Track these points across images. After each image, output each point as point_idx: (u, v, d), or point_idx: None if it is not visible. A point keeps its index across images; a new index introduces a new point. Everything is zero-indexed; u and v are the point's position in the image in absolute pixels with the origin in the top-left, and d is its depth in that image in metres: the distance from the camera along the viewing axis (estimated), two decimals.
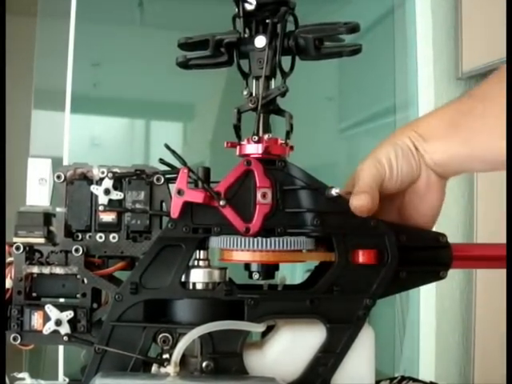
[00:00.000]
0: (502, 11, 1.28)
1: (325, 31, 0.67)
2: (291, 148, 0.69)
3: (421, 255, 0.68)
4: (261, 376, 0.64)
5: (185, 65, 0.70)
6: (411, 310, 1.73)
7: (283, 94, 0.68)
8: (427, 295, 1.67)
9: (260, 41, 0.67)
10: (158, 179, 0.67)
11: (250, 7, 0.65)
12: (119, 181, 0.67)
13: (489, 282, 1.53)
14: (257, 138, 0.66)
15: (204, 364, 0.64)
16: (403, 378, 0.79)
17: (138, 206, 0.67)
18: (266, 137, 0.67)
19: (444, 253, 0.69)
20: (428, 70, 1.74)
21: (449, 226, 1.61)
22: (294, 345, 0.66)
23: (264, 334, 0.68)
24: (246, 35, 0.68)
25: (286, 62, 0.69)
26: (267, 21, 0.67)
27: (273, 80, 0.68)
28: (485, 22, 1.57)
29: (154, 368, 0.64)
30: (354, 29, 0.66)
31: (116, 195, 0.67)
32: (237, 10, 0.67)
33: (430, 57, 1.74)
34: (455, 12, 1.71)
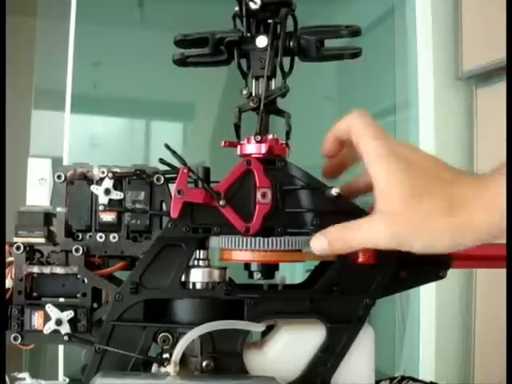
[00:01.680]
0: (502, 11, 1.28)
1: (327, 33, 0.68)
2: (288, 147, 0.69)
3: (420, 255, 0.68)
4: (261, 376, 0.64)
5: (182, 62, 0.69)
6: (411, 309, 1.73)
7: (284, 95, 0.68)
8: (427, 295, 1.67)
9: (262, 41, 0.67)
10: (158, 179, 0.67)
11: (254, 6, 0.65)
12: (119, 181, 0.67)
13: (489, 282, 1.54)
14: (260, 137, 0.66)
15: (204, 363, 0.64)
16: (403, 378, 0.79)
17: (138, 205, 0.67)
18: (270, 137, 0.67)
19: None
20: (428, 70, 1.74)
21: None
22: (293, 344, 0.66)
23: (264, 334, 0.68)
24: (248, 34, 0.68)
25: (284, 62, 0.69)
26: (269, 21, 0.67)
27: (273, 80, 0.68)
28: (485, 22, 1.58)
29: (155, 367, 0.64)
30: (355, 32, 0.67)
31: (116, 195, 0.67)
32: (239, 8, 0.67)
33: (430, 57, 1.74)
34: (455, 12, 1.71)
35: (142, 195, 0.67)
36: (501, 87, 1.53)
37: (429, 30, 1.75)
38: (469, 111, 1.70)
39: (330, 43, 0.69)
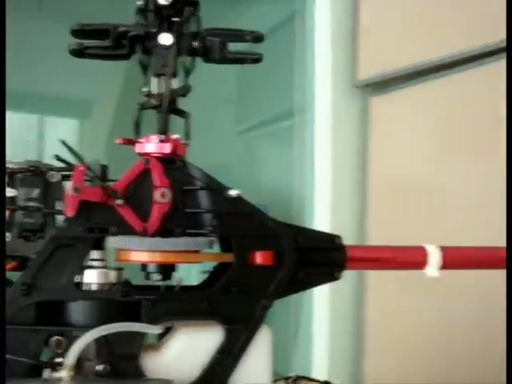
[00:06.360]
0: (400, 22, 1.33)
1: (231, 37, 0.69)
2: None
3: (317, 256, 0.70)
4: (158, 378, 0.63)
5: (79, 53, 0.67)
6: (305, 308, 1.76)
7: (185, 94, 0.68)
8: (321, 294, 1.70)
9: (166, 38, 0.66)
10: (53, 176, 0.65)
11: (163, 2, 0.65)
12: (12, 177, 0.65)
13: (380, 283, 1.59)
14: (164, 137, 0.66)
15: (100, 367, 0.62)
16: (298, 378, 0.80)
17: (31, 203, 0.65)
18: (174, 136, 0.66)
19: (338, 254, 0.70)
20: (326, 76, 1.78)
21: (343, 226, 1.64)
22: (191, 346, 0.66)
23: (161, 336, 0.67)
24: (153, 31, 0.67)
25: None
26: (173, 19, 0.66)
27: (174, 79, 0.68)
28: (381, 32, 1.63)
29: (47, 373, 0.62)
30: (258, 38, 0.70)
31: (9, 192, 0.64)
32: (145, 3, 0.66)
33: (329, 64, 1.77)
34: (353, 20, 1.76)
35: (35, 192, 0.65)
36: (395, 96, 1.59)
37: (327, 37, 1.79)
38: (363, 118, 1.75)
39: (232, 47, 0.70)
